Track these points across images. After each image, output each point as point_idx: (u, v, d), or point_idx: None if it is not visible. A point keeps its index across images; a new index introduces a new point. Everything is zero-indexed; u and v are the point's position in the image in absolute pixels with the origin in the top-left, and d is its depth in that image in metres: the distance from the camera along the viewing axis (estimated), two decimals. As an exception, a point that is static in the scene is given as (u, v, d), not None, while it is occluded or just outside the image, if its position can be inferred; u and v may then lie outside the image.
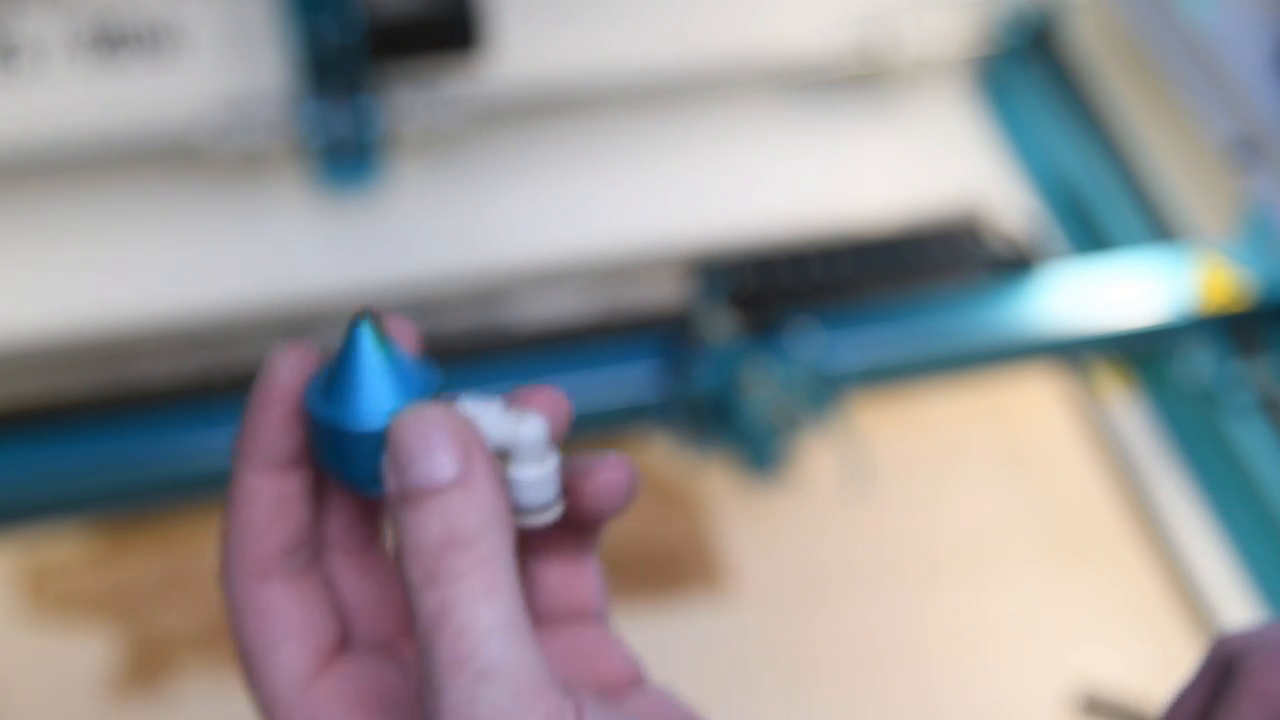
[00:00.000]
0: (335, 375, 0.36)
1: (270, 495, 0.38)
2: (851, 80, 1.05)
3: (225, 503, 0.39)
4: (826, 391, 0.85)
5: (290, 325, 0.92)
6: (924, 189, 1.02)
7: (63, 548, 0.86)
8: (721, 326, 0.89)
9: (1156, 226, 0.97)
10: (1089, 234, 1.01)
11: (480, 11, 0.93)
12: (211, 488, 0.85)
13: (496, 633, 0.33)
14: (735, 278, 0.93)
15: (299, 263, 0.96)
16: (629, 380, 0.89)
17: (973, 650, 0.85)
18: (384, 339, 0.36)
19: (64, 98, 0.92)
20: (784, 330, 0.86)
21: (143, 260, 0.94)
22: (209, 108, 0.94)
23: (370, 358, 0.36)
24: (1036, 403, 0.97)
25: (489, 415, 0.36)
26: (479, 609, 0.33)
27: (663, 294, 0.94)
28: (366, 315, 0.36)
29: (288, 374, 0.37)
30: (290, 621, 0.39)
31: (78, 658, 0.82)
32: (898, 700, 0.84)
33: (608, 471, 0.38)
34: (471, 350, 0.90)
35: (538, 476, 0.37)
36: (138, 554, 0.86)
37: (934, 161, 1.05)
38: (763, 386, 0.86)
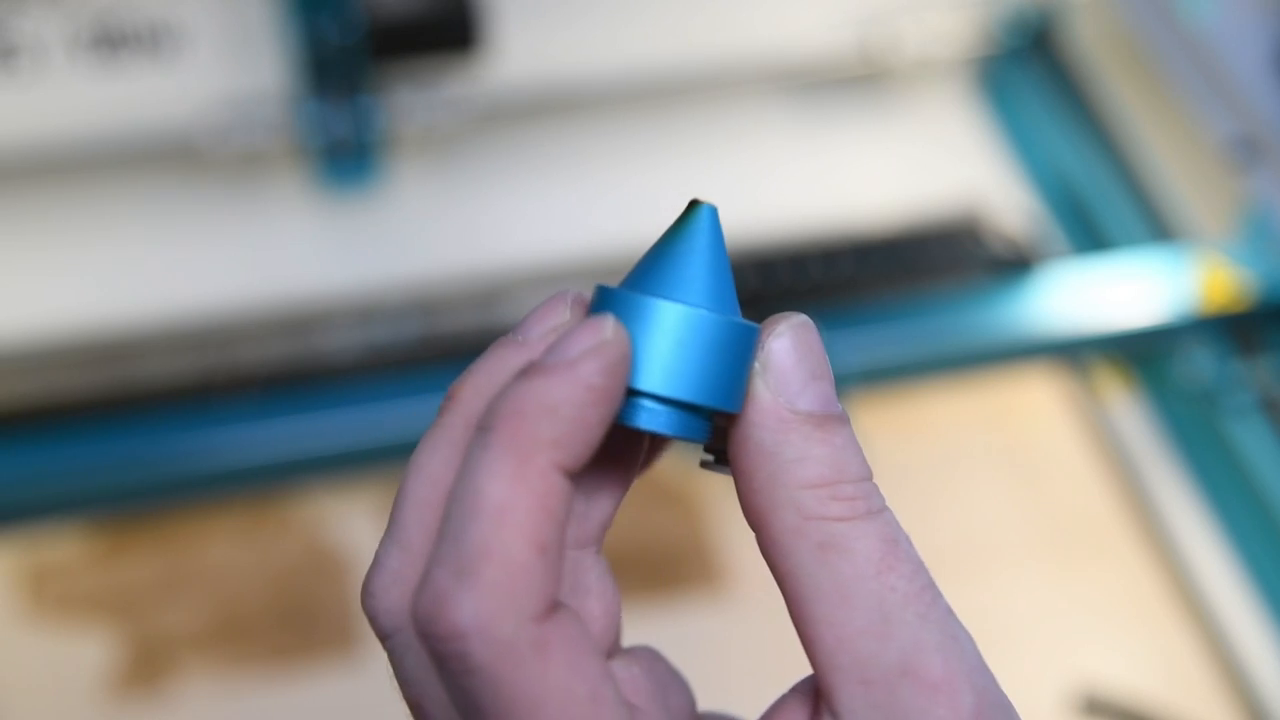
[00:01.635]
0: (673, 268, 0.32)
1: (570, 504, 0.29)
2: (851, 80, 1.05)
3: (488, 511, 0.28)
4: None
5: (290, 325, 0.92)
6: (924, 189, 1.02)
7: (63, 548, 0.86)
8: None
9: (1156, 226, 0.97)
10: (1089, 234, 1.01)
11: (480, 11, 0.93)
12: (211, 488, 0.85)
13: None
14: (735, 277, 0.93)
15: (299, 263, 0.96)
16: (629, 380, 0.89)
17: (973, 650, 0.85)
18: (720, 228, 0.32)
19: (64, 98, 0.92)
20: (784, 330, 0.86)
21: (143, 260, 0.94)
22: (209, 108, 0.94)
23: (716, 247, 0.33)
24: (1036, 403, 0.97)
25: None
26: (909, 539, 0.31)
27: (663, 294, 0.94)
28: (699, 208, 0.32)
29: (628, 358, 0.30)
30: (599, 667, 0.29)
31: (78, 658, 0.82)
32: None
33: None
34: (472, 350, 0.90)
35: None
36: (138, 554, 0.86)
37: (934, 161, 1.05)
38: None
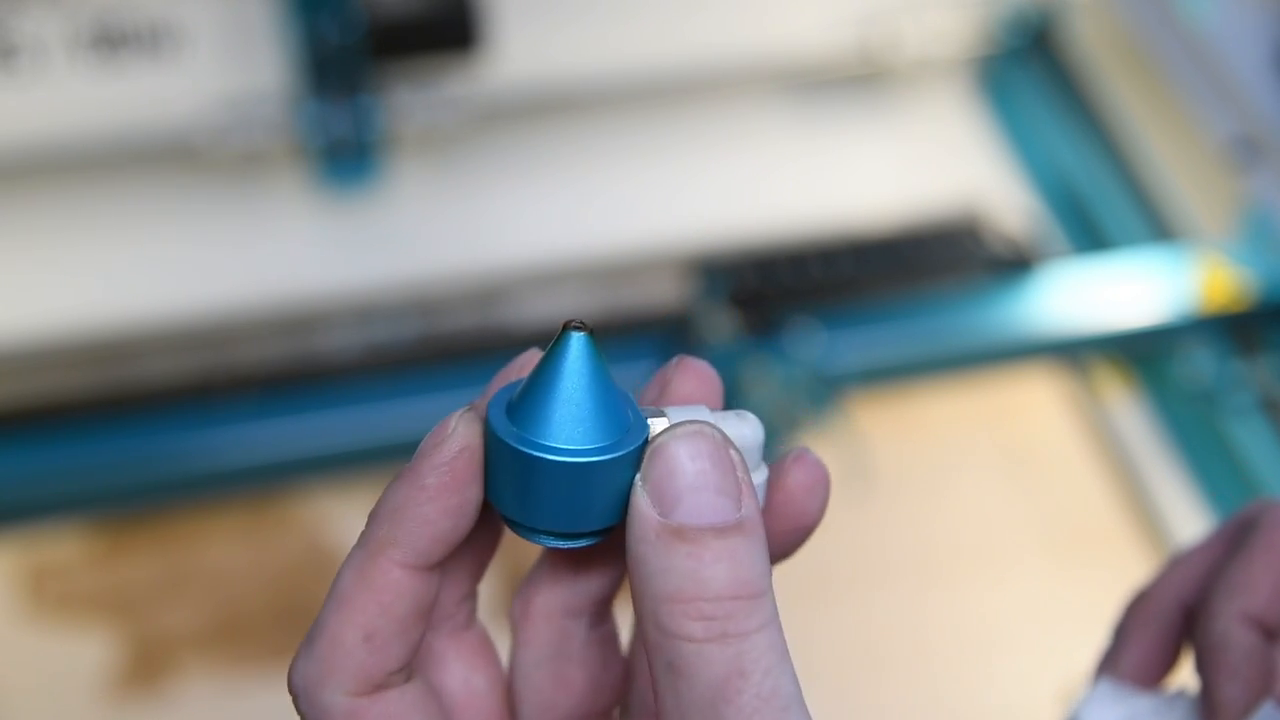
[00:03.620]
0: (537, 398, 0.31)
1: (414, 597, 0.31)
2: (851, 80, 1.05)
3: (335, 597, 0.31)
4: (826, 391, 0.85)
5: (290, 325, 0.92)
6: (924, 189, 1.02)
7: (63, 548, 0.86)
8: (721, 326, 0.89)
9: (1156, 226, 0.97)
10: (1089, 234, 1.01)
11: (480, 11, 0.93)
12: (211, 488, 0.85)
13: (798, 703, 0.29)
14: (735, 278, 0.93)
15: (299, 263, 0.96)
16: (629, 380, 0.89)
17: (973, 650, 0.85)
18: (596, 354, 0.31)
19: (64, 98, 0.92)
20: (784, 330, 0.86)
21: (143, 260, 0.94)
22: (209, 108, 0.94)
23: (585, 375, 0.31)
24: (1036, 403, 0.97)
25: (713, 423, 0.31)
26: (781, 672, 0.29)
27: (663, 294, 0.94)
28: (578, 327, 0.31)
29: (466, 454, 0.31)
30: None
31: (78, 658, 0.82)
32: (897, 700, 0.84)
33: (801, 471, 0.33)
34: (471, 350, 0.90)
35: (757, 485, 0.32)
36: (138, 554, 0.86)
37: (934, 161, 1.05)
38: (763, 386, 0.86)
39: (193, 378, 0.88)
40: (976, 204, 1.01)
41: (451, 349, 0.90)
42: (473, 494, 0.31)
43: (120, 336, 0.90)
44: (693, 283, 0.93)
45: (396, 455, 0.87)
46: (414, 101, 0.96)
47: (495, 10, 0.96)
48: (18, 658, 0.82)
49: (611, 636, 0.35)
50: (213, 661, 0.82)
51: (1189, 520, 0.89)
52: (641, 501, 0.30)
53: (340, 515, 0.88)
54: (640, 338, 0.90)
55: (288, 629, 0.83)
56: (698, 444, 0.30)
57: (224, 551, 0.86)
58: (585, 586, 0.34)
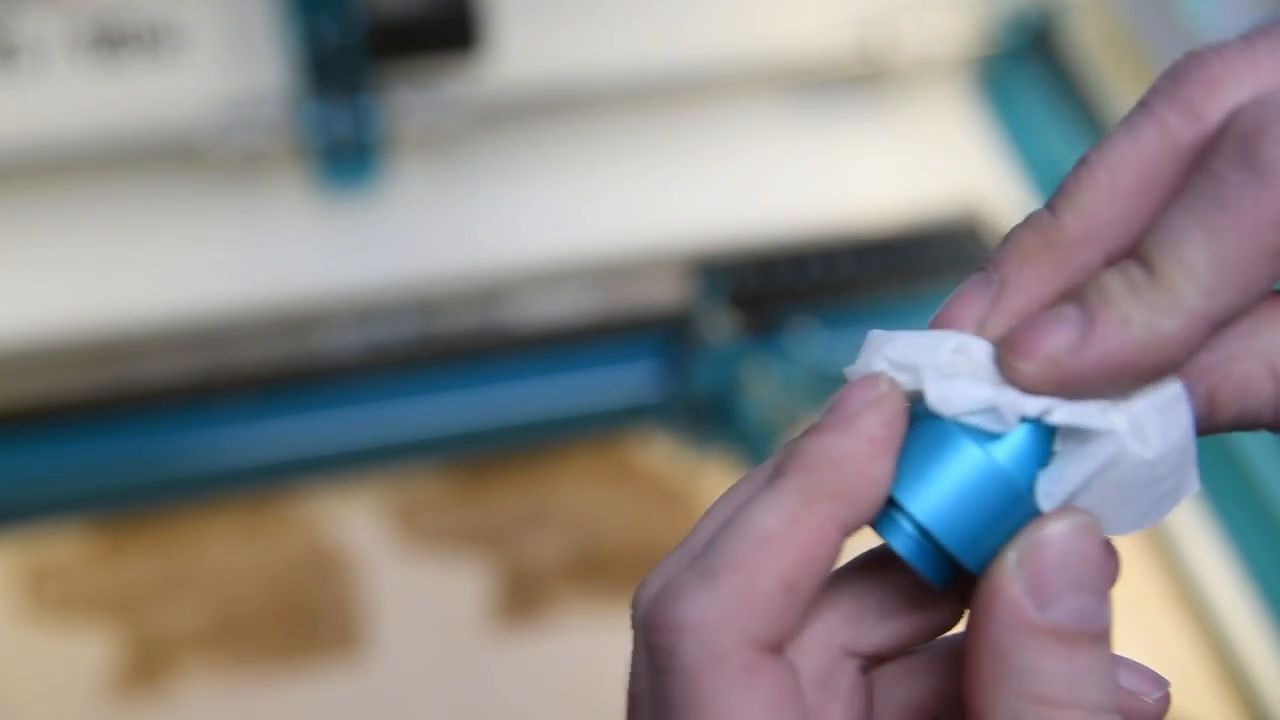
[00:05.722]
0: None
1: (831, 562, 0.29)
2: (851, 80, 1.05)
3: (756, 536, 0.28)
4: (826, 391, 0.85)
5: (290, 325, 0.92)
6: (923, 189, 1.02)
7: (63, 548, 0.86)
8: (721, 326, 0.89)
9: (1156, 226, 0.97)
10: (1089, 234, 1.01)
11: (480, 11, 0.93)
12: (211, 488, 0.85)
13: None
14: (735, 278, 0.93)
15: (299, 263, 0.96)
16: (629, 380, 0.89)
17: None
18: None
19: (64, 98, 0.92)
20: (784, 330, 0.86)
21: (143, 260, 0.94)
22: (209, 108, 0.94)
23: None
24: (1036, 403, 0.97)
25: None
26: None
27: (663, 294, 0.94)
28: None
29: (902, 417, 0.29)
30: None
31: (78, 658, 0.82)
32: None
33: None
34: (471, 350, 0.90)
35: None
36: (138, 554, 0.86)
37: (934, 161, 1.05)
38: (763, 386, 0.86)
39: (193, 378, 0.88)
40: (976, 204, 1.01)
41: (451, 349, 0.90)
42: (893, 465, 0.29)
43: (120, 336, 0.90)
44: (693, 283, 0.93)
45: (396, 455, 0.87)
46: (414, 101, 0.96)
47: (495, 10, 0.96)
48: (18, 658, 0.82)
49: (871, 690, 0.32)
50: (213, 661, 0.82)
51: (1189, 521, 0.89)
52: (1014, 587, 0.28)
53: (340, 515, 0.88)
54: (640, 338, 0.90)
55: (288, 629, 0.83)
56: (1090, 539, 0.28)
57: (224, 551, 0.86)
58: (879, 634, 0.31)
